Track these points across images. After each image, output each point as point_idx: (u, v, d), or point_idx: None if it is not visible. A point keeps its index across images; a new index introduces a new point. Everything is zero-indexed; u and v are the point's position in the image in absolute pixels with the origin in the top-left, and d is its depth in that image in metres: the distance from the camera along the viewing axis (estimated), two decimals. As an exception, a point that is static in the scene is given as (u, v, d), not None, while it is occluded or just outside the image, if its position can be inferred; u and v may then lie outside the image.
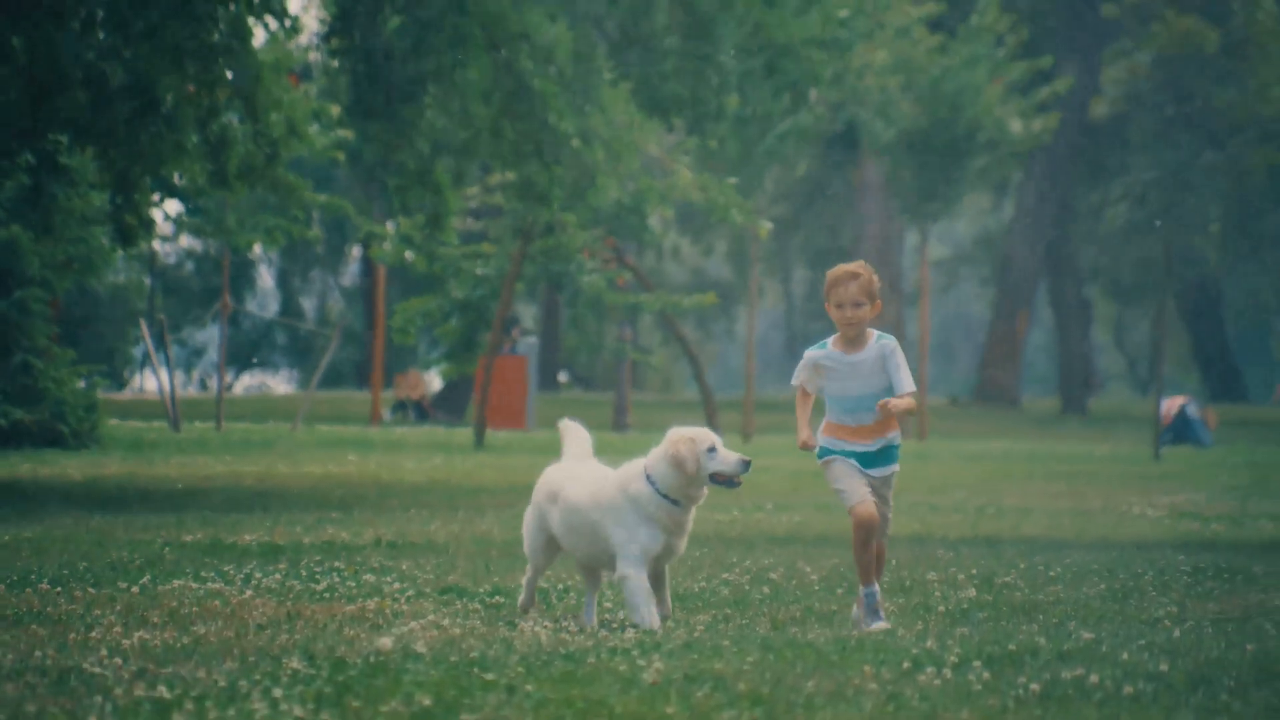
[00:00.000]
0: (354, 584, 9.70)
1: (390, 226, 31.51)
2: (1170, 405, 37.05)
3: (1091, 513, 17.47)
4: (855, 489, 8.48)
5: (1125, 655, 7.19)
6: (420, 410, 42.34)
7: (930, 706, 6.14)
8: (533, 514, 8.75)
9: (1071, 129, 47.88)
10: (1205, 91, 41.11)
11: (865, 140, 40.05)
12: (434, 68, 17.93)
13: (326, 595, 9.22)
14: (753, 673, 6.68)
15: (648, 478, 8.35)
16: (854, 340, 8.58)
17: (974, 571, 11.01)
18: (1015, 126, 38.65)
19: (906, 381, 8.54)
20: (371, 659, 6.95)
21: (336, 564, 10.73)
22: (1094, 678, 6.63)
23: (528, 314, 61.19)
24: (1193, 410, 37.65)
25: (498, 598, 9.27)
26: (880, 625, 8.37)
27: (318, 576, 10.01)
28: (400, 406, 42.55)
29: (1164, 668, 6.89)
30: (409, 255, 30.05)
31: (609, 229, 29.61)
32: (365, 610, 8.62)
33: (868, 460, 8.56)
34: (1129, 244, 51.87)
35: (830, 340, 8.67)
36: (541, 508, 8.69)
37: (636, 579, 8.24)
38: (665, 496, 8.31)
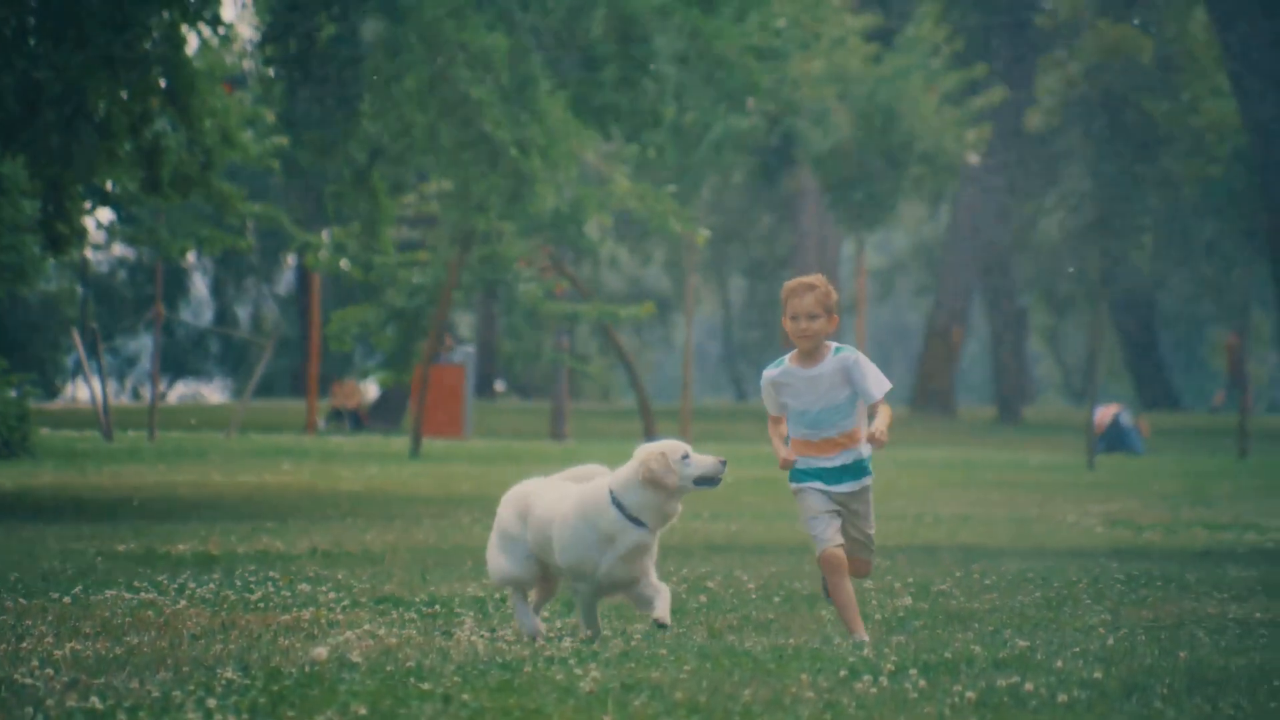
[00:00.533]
0: (289, 594, 9.65)
1: (325, 235, 31.40)
2: (1104, 414, 37.26)
3: (1027, 521, 17.54)
4: (822, 530, 8.29)
5: (1060, 663, 7.21)
6: (356, 419, 42.18)
7: (867, 715, 6.15)
8: (503, 534, 8.39)
9: (1007, 139, 48.15)
10: (1138, 102, 41.39)
11: (801, 150, 40.17)
12: (370, 76, 17.88)
13: (261, 605, 9.16)
14: (690, 681, 6.67)
15: (614, 501, 8.08)
16: (810, 354, 8.37)
17: (910, 580, 11.04)
18: (950, 137, 38.83)
19: (876, 387, 8.32)
20: (306, 669, 6.91)
21: (271, 574, 10.67)
22: (1029, 685, 6.65)
23: (465, 323, 61.07)
24: (1126, 419, 37.89)
25: (434, 607, 9.23)
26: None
27: (252, 586, 9.96)
28: (336, 415, 42.38)
29: (1098, 675, 6.91)
30: (344, 264, 29.94)
31: (546, 237, 29.59)
32: (300, 620, 8.57)
33: (833, 476, 8.37)
34: (1064, 254, 52.18)
35: (787, 357, 8.48)
36: (509, 521, 8.38)
37: (585, 591, 8.13)
38: (633, 520, 8.04)
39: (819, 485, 8.37)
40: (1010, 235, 53.30)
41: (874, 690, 6.58)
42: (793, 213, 52.63)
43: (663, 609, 8.09)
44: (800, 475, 8.40)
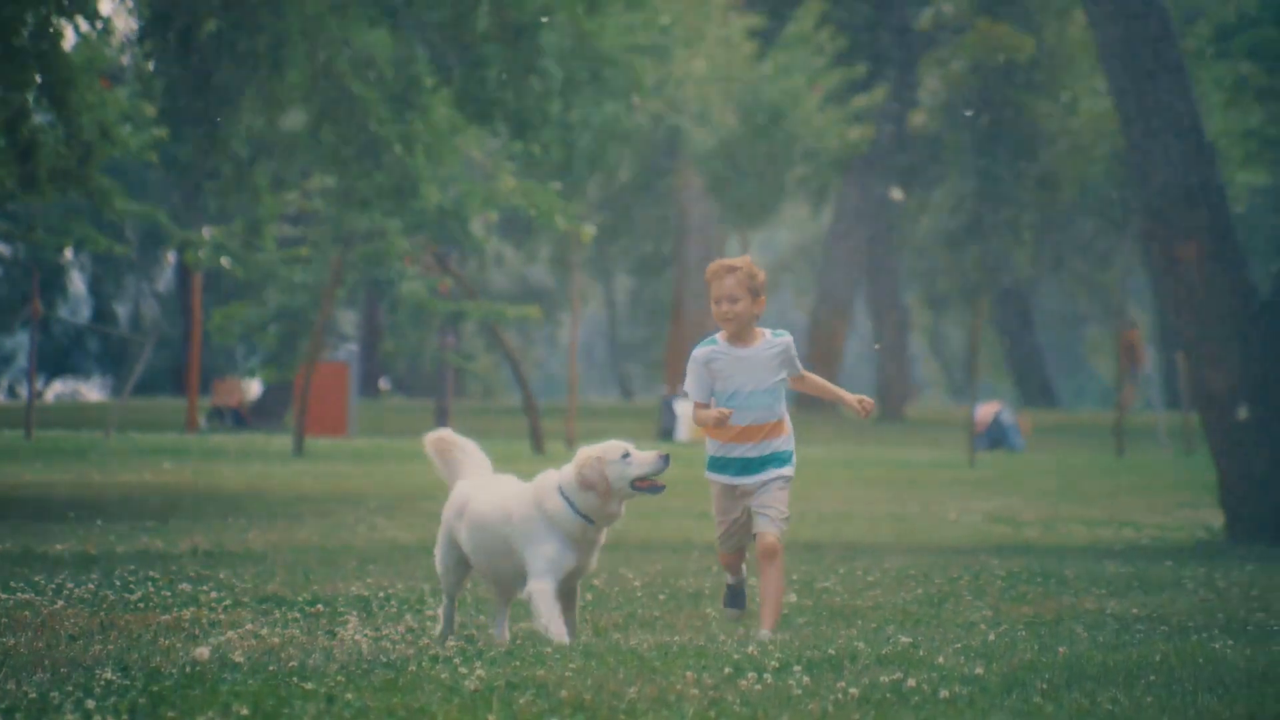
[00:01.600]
0: (169, 593, 9.54)
1: (206, 232, 31.11)
2: (985, 411, 37.60)
3: (909, 518, 17.66)
4: (721, 537, 8.35)
5: (941, 659, 7.26)
6: (238, 417, 41.82)
7: (751, 711, 6.16)
8: (442, 534, 8.34)
9: (890, 138, 48.46)
10: (1018, 102, 41.77)
11: (685, 148, 40.24)
12: (252, 72, 17.72)
13: (141, 605, 9.06)
14: (575, 679, 6.66)
15: (563, 494, 8.04)
16: (742, 335, 8.22)
17: (794, 577, 11.08)
18: (833, 136, 39.03)
19: (798, 368, 8.31)
20: (187, 669, 6.84)
21: (151, 573, 10.56)
22: (911, 681, 6.69)
23: (348, 321, 60.72)
24: (1006, 416, 38.24)
25: (318, 606, 9.16)
26: (732, 613, 8.43)
27: (132, 586, 9.84)
28: (217, 414, 41.99)
29: (979, 671, 6.97)
30: (225, 262, 29.69)
31: (431, 235, 29.48)
32: (181, 620, 8.49)
33: (747, 467, 8.22)
34: (945, 253, 52.62)
35: (718, 334, 8.30)
36: (450, 525, 8.30)
37: (546, 591, 7.96)
38: (580, 514, 8.01)
39: (728, 480, 8.25)
40: (892, 234, 53.68)
41: (758, 687, 6.60)
42: (678, 211, 52.74)
43: (573, 624, 8.11)
44: (715, 466, 8.26)
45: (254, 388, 43.92)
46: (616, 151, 34.01)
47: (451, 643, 7.95)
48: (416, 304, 30.12)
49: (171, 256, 60.17)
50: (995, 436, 37.23)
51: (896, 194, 49.46)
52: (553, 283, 67.36)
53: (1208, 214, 14.48)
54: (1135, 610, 9.56)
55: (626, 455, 8.02)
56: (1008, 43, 40.53)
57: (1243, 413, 13.88)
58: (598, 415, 45.35)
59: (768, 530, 8.22)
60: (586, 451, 8.07)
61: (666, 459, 8.05)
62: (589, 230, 29.55)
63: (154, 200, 38.03)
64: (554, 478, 8.10)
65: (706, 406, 8.25)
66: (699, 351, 8.27)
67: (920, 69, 48.04)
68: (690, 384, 8.31)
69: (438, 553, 8.40)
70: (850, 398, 8.31)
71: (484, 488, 8.28)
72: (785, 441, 8.30)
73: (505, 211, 31.38)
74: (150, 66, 18.84)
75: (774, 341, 8.26)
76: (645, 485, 8.02)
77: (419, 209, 21.15)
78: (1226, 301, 14.46)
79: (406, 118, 18.82)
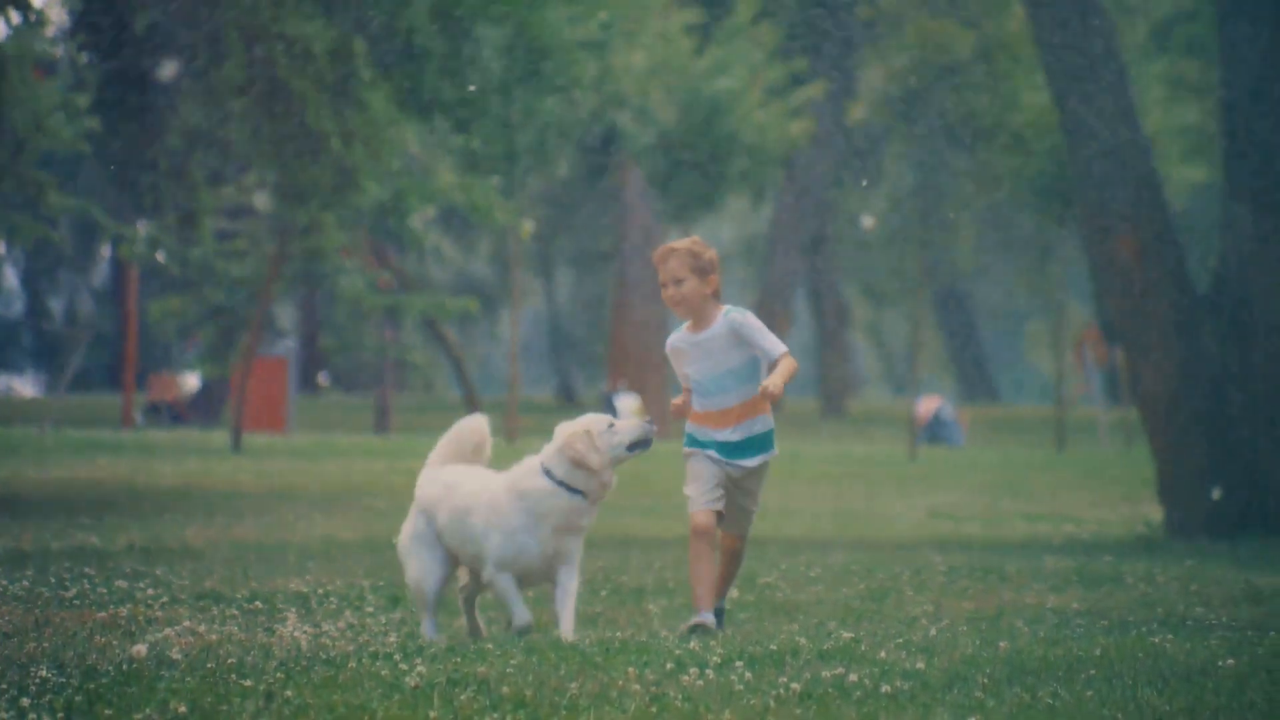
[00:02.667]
0: (106, 590, 9.46)
1: (141, 226, 30.89)
2: (926, 406, 37.74)
3: (851, 513, 17.68)
4: (699, 494, 7.93)
5: (883, 654, 7.26)
6: (174, 413, 41.57)
7: (693, 707, 6.14)
8: (414, 523, 8.10)
9: (831, 133, 48.55)
10: (958, 97, 41.90)
11: (625, 143, 40.22)
12: (188, 65, 17.59)
13: (77, 602, 8.97)
14: (516, 675, 6.62)
15: (546, 472, 7.81)
16: (699, 319, 7.93)
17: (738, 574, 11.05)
18: (773, 130, 39.07)
19: (773, 346, 7.88)
20: (124, 667, 6.76)
21: (87, 570, 10.47)
22: (853, 676, 6.68)
23: (286, 315, 60.45)
24: (947, 411, 38.39)
25: (256, 603, 9.10)
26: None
27: (67, 583, 9.74)
28: (153, 410, 41.74)
29: (921, 666, 6.96)
30: (160, 256, 29.50)
31: (369, 229, 29.37)
32: (118, 617, 8.41)
33: (730, 450, 7.95)
34: (886, 247, 52.78)
35: (684, 324, 8.05)
36: (428, 512, 8.06)
37: (503, 579, 7.78)
38: (568, 488, 7.78)
39: (713, 455, 7.98)
40: (833, 228, 53.80)
41: (700, 683, 6.57)
42: (618, 206, 52.73)
43: (567, 626, 7.86)
44: (695, 443, 8.01)
45: (191, 383, 43.67)
46: (556, 146, 33.99)
47: (392, 638, 7.90)
48: (355, 298, 30.01)
49: (106, 251, 59.78)
50: (936, 431, 37.38)
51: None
52: (493, 277, 67.24)
53: (1145, 209, 14.54)
54: (1075, 605, 9.59)
55: (611, 427, 7.85)
56: (946, 39, 40.66)
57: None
58: (538, 411, 45.29)
59: (738, 533, 8.13)
60: (568, 427, 7.87)
61: (651, 424, 7.88)
62: (527, 226, 29.52)
63: (87, 194, 37.73)
64: (535, 460, 7.90)
65: (690, 393, 8.02)
66: (669, 342, 8.08)
67: (859, 62, 48.14)
68: (675, 368, 8.07)
69: (411, 550, 8.11)
70: (774, 380, 7.84)
71: (468, 474, 8.07)
72: (764, 422, 8.02)
73: (444, 206, 31.32)
74: (85, 59, 18.68)
75: (729, 319, 7.96)
76: (635, 446, 7.82)
77: (357, 204, 21.05)
78: (1165, 296, 14.53)
79: (344, 111, 18.73)
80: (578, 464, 7.79)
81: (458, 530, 7.98)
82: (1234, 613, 9.28)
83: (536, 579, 7.95)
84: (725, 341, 7.94)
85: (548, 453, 7.88)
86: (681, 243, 8.06)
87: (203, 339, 30.74)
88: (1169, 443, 14.63)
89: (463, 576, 8.21)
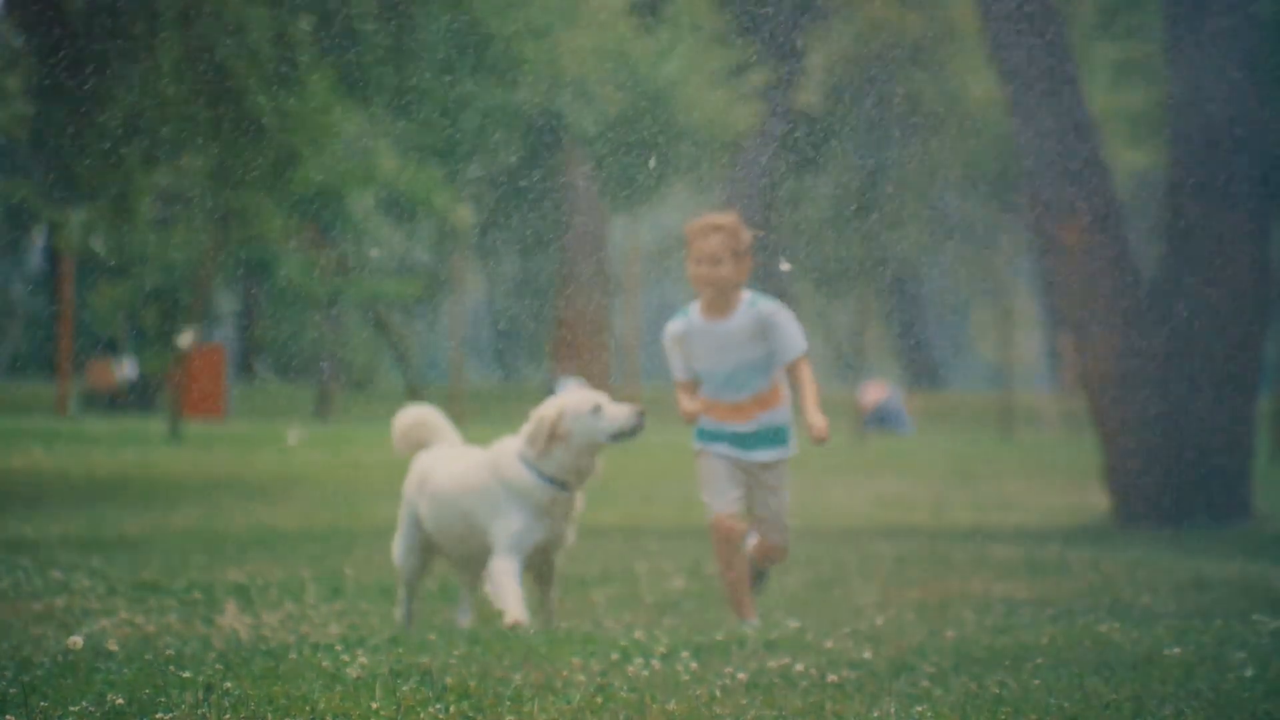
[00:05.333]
0: (41, 582, 9.35)
1: (74, 212, 30.64)
2: (872, 393, 37.79)
3: (797, 501, 17.63)
4: (716, 496, 7.45)
5: (830, 643, 7.23)
6: (111, 401, 41.26)
7: (639, 697, 6.09)
8: (402, 513, 7.89)
9: (777, 118, 48.58)
10: (906, 82, 41.99)
11: (568, 129, 40.15)
12: (125, 45, 17.40)
13: (10, 593, 8.87)
14: (459, 666, 6.56)
15: (524, 462, 7.48)
16: (718, 305, 7.38)
17: (682, 561, 11.04)
18: (718, 116, 39.06)
19: (794, 346, 7.38)
20: (60, 658, 6.67)
21: (22, 561, 10.35)
22: (799, 666, 6.65)
23: (224, 302, 60.10)
24: (894, 398, 38.46)
25: (195, 593, 9.00)
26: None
27: (1, 575, 9.63)
28: (89, 398, 41.43)
29: (867, 655, 6.94)
30: (96, 242, 29.27)
31: (309, 214, 29.21)
32: (54, 608, 8.32)
33: (747, 443, 7.45)
34: (832, 234, 52.91)
35: (692, 306, 7.48)
36: (411, 501, 7.84)
37: (508, 570, 7.47)
38: (546, 479, 7.48)
39: (725, 449, 7.48)
40: (780, 215, 53.87)
41: (646, 673, 6.53)
42: (561, 192, 52.65)
43: (550, 605, 7.72)
44: (706, 436, 7.50)
45: (127, 370, 43.37)
46: (499, 132, 33.91)
47: (333, 629, 7.83)
48: (294, 285, 29.87)
49: (39, 236, 59.24)
50: (882, 418, 37.44)
51: (785, 265, 49.91)
52: (435, 264, 67.06)
53: (1090, 194, 14.55)
54: (1022, 594, 9.58)
55: (598, 409, 7.48)
56: (893, 21, 40.72)
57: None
58: (482, 398, 45.18)
59: (776, 540, 7.70)
60: (543, 411, 7.52)
61: (642, 415, 7.48)
62: (468, 212, 29.43)
63: (17, 177, 37.37)
64: (512, 445, 7.58)
65: (690, 386, 7.46)
66: (671, 327, 7.50)
67: (805, 46, 48.16)
68: (671, 363, 7.51)
69: (397, 534, 7.97)
70: (816, 419, 7.37)
71: (445, 458, 7.80)
72: (782, 414, 7.54)
73: (387, 193, 31.19)
74: (17, 41, 18.46)
75: (755, 311, 7.44)
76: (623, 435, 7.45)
77: (296, 189, 20.93)
78: (1110, 282, 14.54)
79: (284, 94, 18.58)
80: (531, 444, 7.48)
81: (439, 517, 7.80)
82: (1181, 600, 9.30)
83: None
84: (748, 334, 7.44)
85: (522, 436, 7.59)
86: (724, 220, 7.51)
87: (144, 325, 30.54)
88: (1115, 430, 14.65)
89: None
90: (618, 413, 7.49)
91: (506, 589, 7.52)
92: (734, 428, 7.47)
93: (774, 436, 7.54)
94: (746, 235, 7.50)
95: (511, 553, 7.57)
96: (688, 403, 7.42)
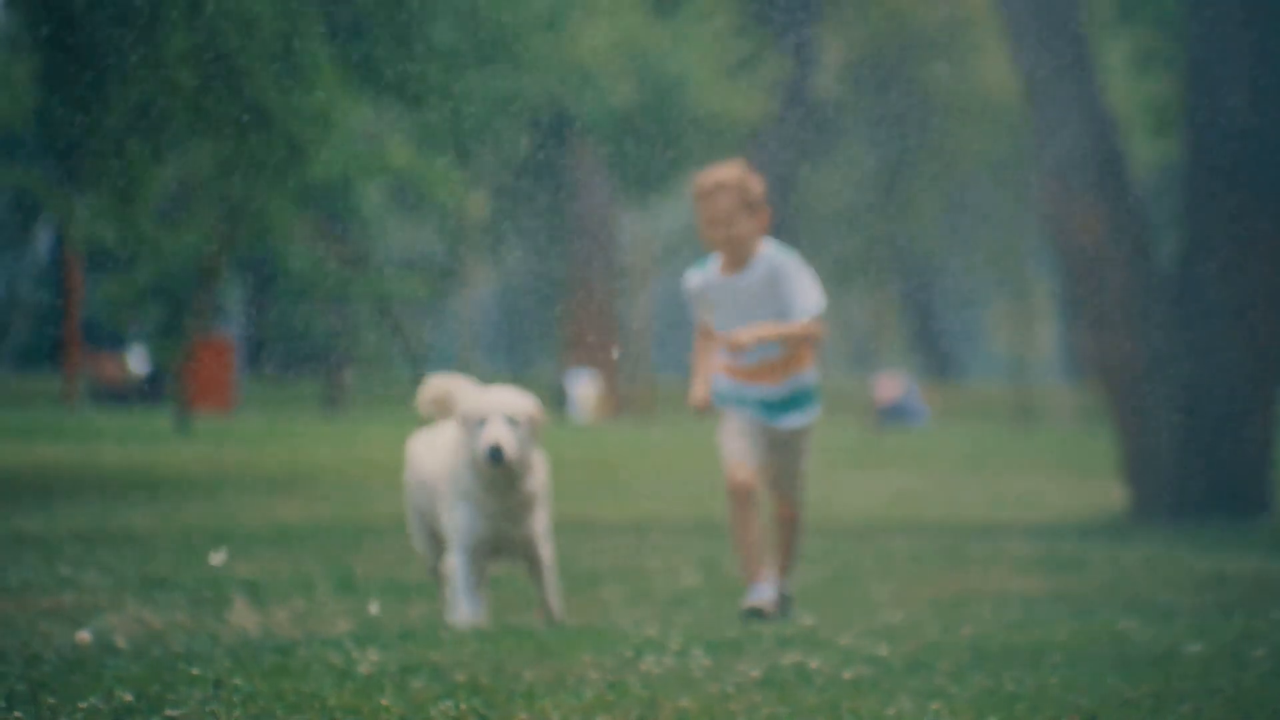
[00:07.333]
0: (48, 577, 9.30)
1: (82, 203, 30.63)
2: (888, 386, 37.75)
3: (812, 495, 17.57)
4: (733, 450, 7.07)
5: (845, 640, 7.18)
6: (119, 394, 41.30)
7: (652, 694, 6.04)
8: (405, 497, 7.64)
9: (793, 108, 48.50)
10: (924, 73, 41.95)
11: (578, 120, 40.11)
12: (130, 33, 17.34)
13: (17, 589, 8.81)
14: (471, 662, 6.50)
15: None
16: (737, 259, 7.00)
17: (695, 557, 11.00)
18: (732, 106, 39.01)
19: (803, 303, 6.93)
20: (68, 654, 6.62)
21: (28, 556, 10.32)
22: (814, 663, 6.59)
23: (233, 295, 60.17)
24: (910, 391, 38.41)
25: (203, 589, 8.96)
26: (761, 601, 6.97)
27: (8, 570, 9.57)
28: (97, 391, 41.46)
29: (883, 652, 6.88)
30: (103, 234, 29.24)
31: (317, 207, 29.19)
32: (61, 605, 8.26)
33: (774, 409, 7.08)
34: (849, 225, 52.88)
35: (711, 258, 7.14)
36: (407, 484, 7.58)
37: (456, 567, 7.27)
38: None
39: (751, 414, 7.11)
40: (795, 206, 53.83)
41: (658, 669, 6.47)
42: (573, 183, 52.65)
43: (553, 603, 7.46)
44: (727, 399, 7.14)
45: (135, 363, 43.41)
46: (509, 123, 33.88)
47: (342, 625, 7.79)
48: (302, 278, 29.88)
49: (46, 228, 59.30)
50: (898, 411, 37.40)
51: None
52: (445, 255, 67.10)
53: (1108, 184, 14.48)
54: (1039, 589, 9.55)
55: (482, 423, 7.05)
56: (909, 9, 40.65)
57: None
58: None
59: (790, 498, 7.45)
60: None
61: (498, 450, 6.98)
62: (479, 204, 29.39)
63: (25, 167, 37.37)
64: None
65: (711, 331, 7.04)
66: (690, 279, 7.14)
67: (820, 34, 48.09)
68: (695, 312, 7.14)
69: (408, 523, 7.78)
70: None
71: (431, 441, 7.52)
72: (809, 375, 7.17)
73: (393, 181, 31.15)
74: (22, 29, 18.43)
75: (770, 262, 7.04)
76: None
77: (306, 181, 20.91)
78: (1129, 274, 14.47)
79: (293, 86, 18.53)
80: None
81: (421, 504, 7.62)
82: (1200, 597, 9.25)
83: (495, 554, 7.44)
84: (763, 287, 7.04)
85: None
86: (729, 175, 7.10)
87: (153, 318, 30.54)
88: (1133, 423, 14.57)
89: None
90: (485, 436, 7.06)
91: (452, 594, 7.38)
92: (760, 392, 7.11)
93: (801, 400, 7.20)
94: (757, 184, 7.12)
95: (457, 551, 7.34)
96: (699, 387, 7.09)
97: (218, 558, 7.91)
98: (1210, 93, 14.48)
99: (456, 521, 7.36)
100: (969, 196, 48.04)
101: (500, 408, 7.08)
